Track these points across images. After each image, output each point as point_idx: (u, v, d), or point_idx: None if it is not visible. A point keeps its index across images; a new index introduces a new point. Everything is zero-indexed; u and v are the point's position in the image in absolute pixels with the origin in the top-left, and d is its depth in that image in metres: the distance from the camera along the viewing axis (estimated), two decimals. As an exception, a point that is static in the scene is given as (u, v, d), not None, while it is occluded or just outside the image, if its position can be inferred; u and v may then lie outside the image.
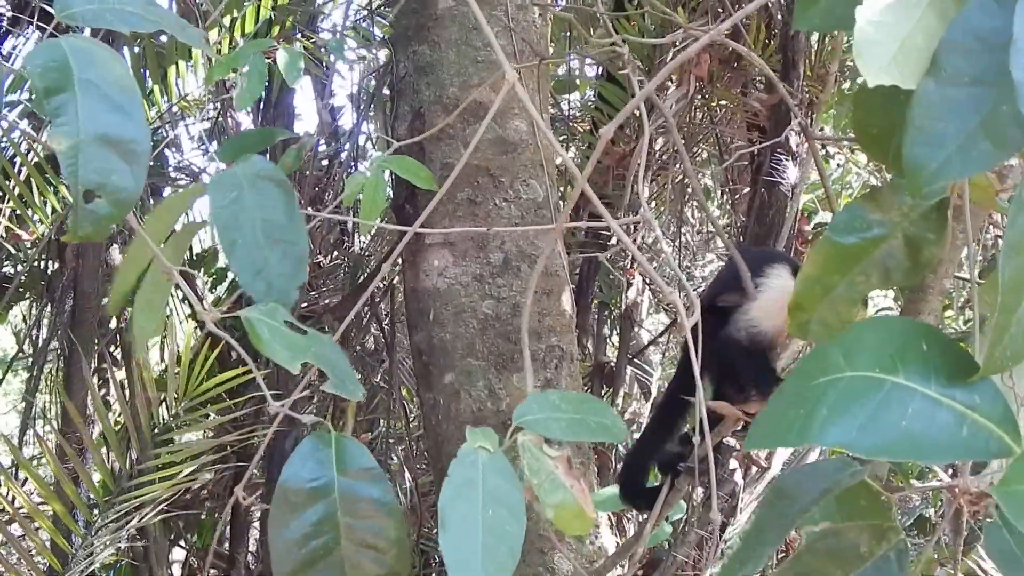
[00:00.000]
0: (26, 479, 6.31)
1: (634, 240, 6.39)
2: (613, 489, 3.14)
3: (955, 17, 1.15)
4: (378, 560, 1.42)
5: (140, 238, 1.59)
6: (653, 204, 7.00)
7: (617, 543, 3.61)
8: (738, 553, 1.24)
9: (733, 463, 5.03)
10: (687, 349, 2.66)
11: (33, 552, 4.77)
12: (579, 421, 1.53)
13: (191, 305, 6.39)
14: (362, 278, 6.37)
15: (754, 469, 4.20)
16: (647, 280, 6.96)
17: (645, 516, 2.88)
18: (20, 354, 7.68)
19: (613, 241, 6.18)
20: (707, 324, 2.31)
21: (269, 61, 3.28)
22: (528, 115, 3.68)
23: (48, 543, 4.65)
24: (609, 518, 3.74)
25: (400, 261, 3.96)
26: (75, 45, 1.33)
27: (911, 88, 1.15)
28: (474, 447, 1.42)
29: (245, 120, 7.57)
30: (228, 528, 6.88)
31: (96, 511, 4.63)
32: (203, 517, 7.15)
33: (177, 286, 1.57)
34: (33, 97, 6.30)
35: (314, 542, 1.40)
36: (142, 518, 4.58)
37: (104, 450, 5.11)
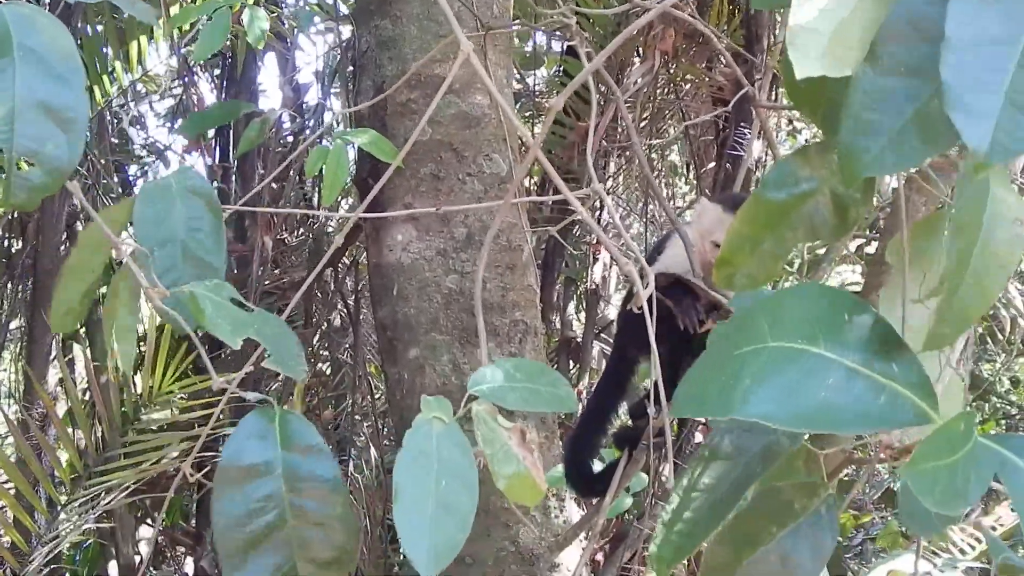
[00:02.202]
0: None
1: (598, 214, 6.40)
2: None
3: (894, 4, 1.14)
4: (326, 537, 1.41)
5: (79, 248, 1.59)
6: (621, 179, 7.01)
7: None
8: (678, 513, 1.25)
9: (699, 436, 5.05)
10: (623, 323, 2.69)
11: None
12: (533, 391, 1.53)
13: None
14: (327, 254, 6.35)
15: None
16: (614, 256, 6.95)
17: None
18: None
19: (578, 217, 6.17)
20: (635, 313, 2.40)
21: (231, 34, 3.26)
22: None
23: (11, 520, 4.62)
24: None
25: (364, 237, 3.94)
26: (16, 11, 1.31)
27: (843, 76, 1.15)
28: (429, 418, 1.41)
29: (209, 97, 7.52)
30: (195, 506, 6.87)
31: (63, 489, 4.60)
32: (170, 495, 7.13)
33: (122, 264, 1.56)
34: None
35: (259, 520, 1.38)
36: (110, 500, 4.54)
37: (71, 430, 5.08)
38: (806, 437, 1.23)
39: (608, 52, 1.69)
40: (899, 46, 1.13)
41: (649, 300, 1.75)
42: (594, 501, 3.25)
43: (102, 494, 4.55)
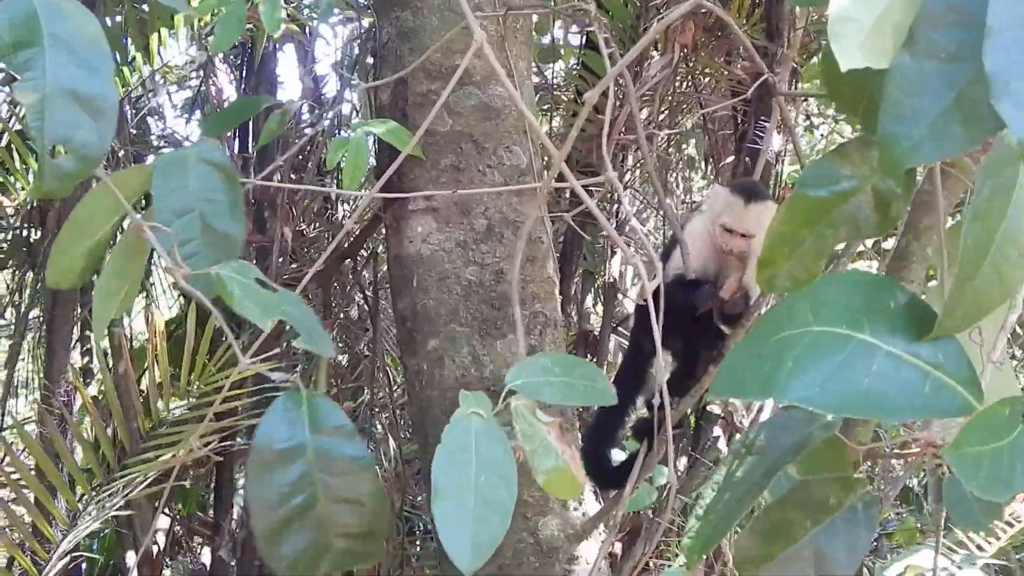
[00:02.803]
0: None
1: (616, 209, 6.39)
2: None
3: (933, -11, 1.12)
4: (357, 514, 1.44)
5: (86, 201, 1.57)
6: (637, 173, 6.99)
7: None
8: (713, 506, 1.25)
9: (717, 430, 5.05)
10: (640, 316, 2.69)
11: (25, 519, 4.77)
12: (570, 385, 1.54)
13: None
14: (346, 245, 6.35)
15: (737, 436, 4.21)
16: (621, 249, 6.94)
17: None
18: (3, 320, 7.65)
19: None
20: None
21: (250, 26, 3.25)
22: (511, 81, 3.66)
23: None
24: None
25: (384, 228, 3.94)
26: (45, 0, 1.31)
27: (884, 68, 1.14)
28: (467, 412, 1.41)
29: (228, 88, 7.54)
30: (213, 496, 6.89)
31: (86, 476, 4.63)
32: (187, 485, 7.15)
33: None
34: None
35: (292, 501, 1.41)
36: (128, 492, 4.56)
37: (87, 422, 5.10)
38: (838, 431, 1.23)
39: (642, 45, 1.68)
40: (938, 31, 1.11)
41: (656, 292, 1.75)
42: (611, 494, 3.25)
43: (123, 485, 4.57)
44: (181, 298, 7.25)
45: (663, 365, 1.73)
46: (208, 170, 1.58)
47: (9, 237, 6.84)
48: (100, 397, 5.34)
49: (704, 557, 1.21)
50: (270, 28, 3.18)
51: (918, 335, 1.08)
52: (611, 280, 6.65)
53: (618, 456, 3.28)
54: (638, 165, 6.69)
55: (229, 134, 6.91)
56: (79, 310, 6.21)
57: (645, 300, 1.67)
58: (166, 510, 7.34)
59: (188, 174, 1.57)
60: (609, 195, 6.16)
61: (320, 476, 1.40)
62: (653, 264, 1.78)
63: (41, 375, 6.80)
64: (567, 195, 6.07)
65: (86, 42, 1.30)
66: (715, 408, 3.53)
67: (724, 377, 1.17)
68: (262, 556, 1.45)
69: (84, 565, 6.75)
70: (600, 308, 7.20)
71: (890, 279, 1.16)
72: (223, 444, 4.92)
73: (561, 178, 2.31)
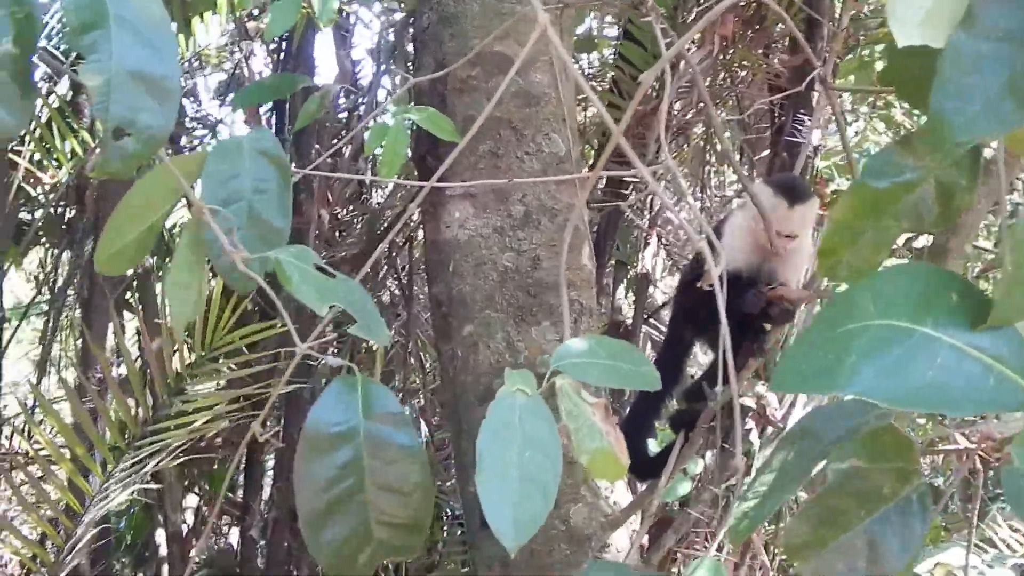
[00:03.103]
0: (41, 421, 6.38)
1: (653, 200, 6.38)
2: None
3: (993, -33, 1.12)
4: (402, 503, 1.42)
5: (143, 184, 1.57)
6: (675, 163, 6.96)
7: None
8: (753, 485, 1.25)
9: (749, 423, 5.03)
10: (680, 306, 2.69)
11: (52, 494, 4.82)
12: (615, 368, 1.52)
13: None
14: (380, 231, 6.38)
15: (770, 430, 4.21)
16: (663, 241, 6.94)
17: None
18: (38, 298, 7.70)
19: (632, 200, 6.17)
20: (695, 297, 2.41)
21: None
22: (550, 68, 3.67)
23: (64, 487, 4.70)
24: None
25: (421, 213, 3.95)
26: (109, -19, 1.32)
27: (941, 47, 1.14)
28: (512, 390, 1.41)
29: (265, 72, 7.56)
30: (243, 476, 6.94)
31: (114, 455, 4.67)
32: (216, 467, 7.20)
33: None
34: (64, 34, 6.29)
35: (340, 485, 1.39)
36: (158, 463, 4.60)
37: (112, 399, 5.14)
38: (892, 418, 1.22)
39: (694, 32, 1.69)
40: (996, 10, 1.11)
41: (719, 278, 1.75)
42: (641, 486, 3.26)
43: (149, 458, 4.62)
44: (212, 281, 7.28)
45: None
46: (262, 161, 1.58)
47: (45, 215, 6.88)
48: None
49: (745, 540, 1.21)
50: (323, 19, 3.18)
51: (978, 327, 1.08)
52: (644, 271, 6.64)
53: (653, 448, 3.28)
54: (675, 156, 6.66)
55: (266, 117, 6.94)
56: (115, 289, 6.25)
57: (710, 285, 1.66)
58: (196, 489, 7.40)
59: (242, 162, 1.57)
60: (645, 186, 6.15)
61: (369, 462, 1.39)
62: (717, 249, 1.77)
63: (74, 353, 6.86)
64: (600, 188, 6.07)
65: (151, 24, 1.31)
66: (748, 401, 3.52)
67: (786, 370, 1.17)
68: (306, 542, 1.44)
69: (112, 542, 6.81)
70: (632, 299, 7.19)
71: (950, 272, 1.16)
72: (248, 415, 4.94)
73: (606, 167, 2.31)
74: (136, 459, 4.59)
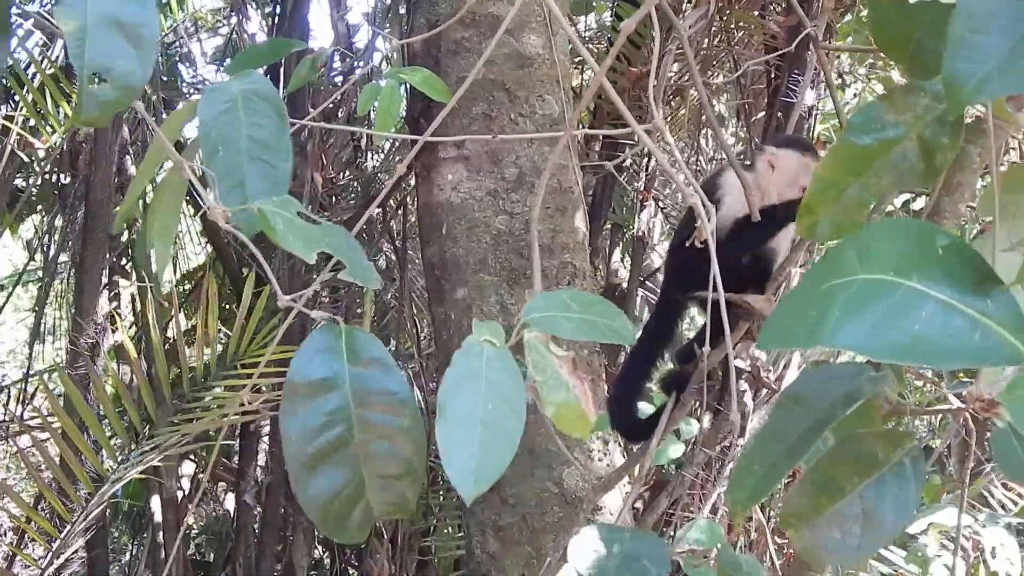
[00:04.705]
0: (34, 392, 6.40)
1: (649, 163, 6.36)
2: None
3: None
4: (392, 450, 1.39)
5: (154, 146, 1.56)
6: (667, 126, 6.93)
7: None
8: (753, 456, 1.24)
9: (743, 385, 5.03)
10: (672, 267, 2.67)
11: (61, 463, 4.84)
12: (588, 322, 1.49)
13: (202, 219, 6.38)
14: (374, 195, 6.35)
15: (763, 391, 4.20)
16: (660, 203, 6.92)
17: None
18: (31, 264, 7.69)
19: (628, 163, 6.15)
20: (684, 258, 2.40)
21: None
22: (544, 30, 3.64)
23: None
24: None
25: (414, 176, 3.93)
26: (86, -74, 1.30)
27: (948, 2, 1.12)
28: (480, 340, 1.38)
29: (260, 36, 7.52)
30: (238, 442, 6.94)
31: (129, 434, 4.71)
32: (211, 432, 7.21)
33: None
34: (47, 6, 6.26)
35: (327, 434, 1.35)
36: (169, 445, 4.62)
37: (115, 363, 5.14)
38: (885, 382, 1.21)
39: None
40: (1006, -32, 1.09)
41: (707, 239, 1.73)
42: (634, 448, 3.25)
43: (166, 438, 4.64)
44: (208, 246, 7.26)
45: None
46: (254, 101, 1.54)
47: (40, 182, 6.86)
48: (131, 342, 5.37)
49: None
50: None
51: (966, 282, 1.07)
52: (640, 234, 6.62)
53: (645, 409, 3.27)
54: (667, 123, 6.63)
55: (259, 80, 6.90)
56: (108, 255, 6.23)
57: (703, 242, 1.64)
58: (191, 456, 7.40)
59: (234, 104, 1.53)
60: (642, 148, 6.13)
61: (356, 410, 1.35)
62: (708, 208, 1.74)
63: (68, 321, 6.85)
64: (597, 150, 6.04)
65: (130, -30, 1.28)
66: (740, 363, 3.50)
67: (772, 327, 1.15)
68: (295, 494, 1.41)
69: (108, 511, 6.83)
70: (628, 262, 7.18)
71: (937, 227, 1.14)
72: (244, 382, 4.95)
73: (595, 127, 2.29)
74: (151, 438, 4.63)
